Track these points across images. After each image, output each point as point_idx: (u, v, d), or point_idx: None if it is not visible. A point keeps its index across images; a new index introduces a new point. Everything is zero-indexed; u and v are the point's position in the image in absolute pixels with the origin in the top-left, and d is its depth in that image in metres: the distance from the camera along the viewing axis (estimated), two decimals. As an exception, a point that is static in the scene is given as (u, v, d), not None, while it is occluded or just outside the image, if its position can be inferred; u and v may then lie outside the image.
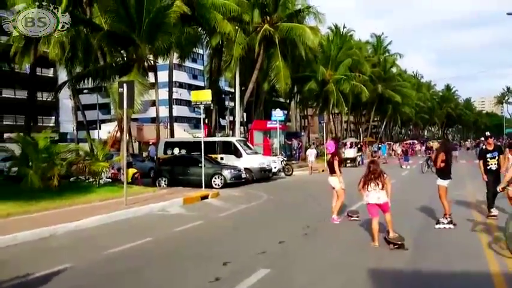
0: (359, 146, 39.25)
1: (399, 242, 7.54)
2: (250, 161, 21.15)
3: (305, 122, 57.63)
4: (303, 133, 50.43)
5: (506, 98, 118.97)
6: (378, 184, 7.78)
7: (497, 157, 10.35)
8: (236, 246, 8.12)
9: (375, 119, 75.01)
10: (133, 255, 7.57)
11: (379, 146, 45.58)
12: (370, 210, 7.91)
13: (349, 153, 32.52)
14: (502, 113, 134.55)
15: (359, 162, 32.60)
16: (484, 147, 10.78)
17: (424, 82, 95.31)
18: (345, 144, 38.23)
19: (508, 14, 32.00)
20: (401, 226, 8.67)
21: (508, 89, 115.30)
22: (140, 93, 18.79)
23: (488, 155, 10.45)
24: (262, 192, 16.34)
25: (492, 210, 10.09)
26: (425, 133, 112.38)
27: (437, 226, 9.22)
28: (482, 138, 78.63)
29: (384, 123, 74.34)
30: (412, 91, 68.02)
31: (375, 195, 7.80)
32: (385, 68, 61.74)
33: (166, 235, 9.25)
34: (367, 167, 8.15)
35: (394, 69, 65.82)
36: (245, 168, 20.22)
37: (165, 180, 19.13)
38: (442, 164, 9.49)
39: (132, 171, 18.69)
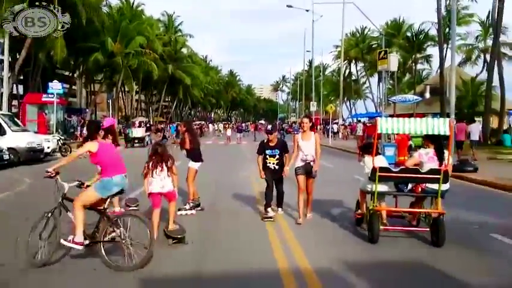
0: (148, 125, 38.01)
1: (179, 236, 6.57)
2: (17, 139, 17.84)
3: (92, 98, 53.40)
4: (87, 110, 46.53)
5: (281, 85, 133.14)
6: (162, 170, 6.74)
7: (278, 156, 8.19)
8: None
9: (166, 99, 74.87)
10: None
11: (169, 126, 45.30)
12: (153, 200, 6.81)
13: (137, 132, 31.08)
14: (276, 99, 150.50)
15: (147, 142, 31.47)
16: (265, 141, 8.41)
17: (213, 66, 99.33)
18: (134, 124, 36.67)
19: (288, 6, 34.67)
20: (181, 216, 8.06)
21: (283, 77, 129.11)
22: None
23: (268, 152, 8.27)
24: (27, 176, 13.73)
25: (269, 210, 8.17)
26: (213, 115, 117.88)
27: (179, 213, 8.01)
28: (262, 121, 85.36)
29: (175, 104, 74.70)
30: (201, 74, 69.75)
31: (159, 183, 6.74)
32: (176, 48, 61.64)
33: None
34: (152, 150, 6.96)
35: (185, 50, 66.28)
36: (9, 148, 16.96)
37: None
38: (190, 146, 8.81)
39: None
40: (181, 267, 5.62)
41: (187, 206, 8.70)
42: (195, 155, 8.92)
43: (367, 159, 7.24)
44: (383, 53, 24.33)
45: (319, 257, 6.02)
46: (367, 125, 31.29)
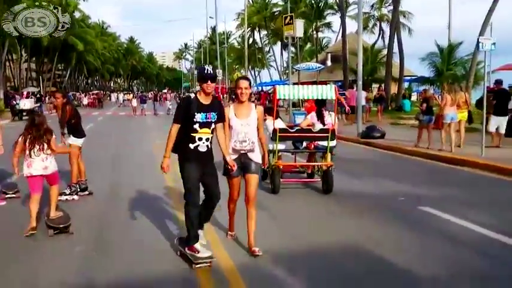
0: (38, 96, 34.56)
1: (61, 225, 5.53)
2: None
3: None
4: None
5: (184, 54, 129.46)
6: (43, 148, 5.64)
7: (213, 125, 4.59)
8: None
9: (60, 67, 69.00)
10: None
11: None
12: (33, 184, 5.66)
13: (26, 104, 27.93)
14: (180, 67, 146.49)
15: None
16: (192, 96, 4.65)
17: (110, 32, 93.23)
18: (22, 94, 33.25)
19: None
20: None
21: (186, 45, 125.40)
22: None
23: (199, 117, 4.47)
24: None
25: (198, 247, 4.59)
26: (112, 84, 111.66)
27: (60, 198, 6.47)
28: (165, 90, 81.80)
29: (69, 73, 69.15)
30: (96, 39, 64.99)
31: (41, 163, 5.63)
32: (68, 11, 56.45)
33: None
34: (28, 121, 5.77)
35: (77, 14, 61.03)
36: None
37: None
38: (75, 119, 7.49)
39: None
40: (64, 275, 4.38)
41: (67, 190, 7.31)
42: (78, 129, 7.56)
43: (269, 122, 8.12)
44: (289, 18, 23.93)
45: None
46: (269, 92, 31.60)
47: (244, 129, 4.86)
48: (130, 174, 9.64)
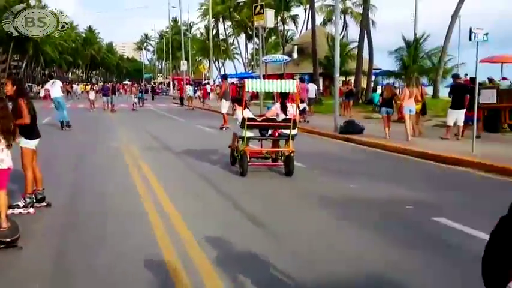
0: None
1: (8, 239, 4.66)
2: None
3: None
4: None
5: (145, 44, 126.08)
6: (8, 138, 5.06)
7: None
8: None
9: (15, 58, 65.44)
10: None
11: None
12: (1, 178, 4.97)
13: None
14: (141, 58, 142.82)
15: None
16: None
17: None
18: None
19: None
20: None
21: (146, 36, 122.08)
22: None
23: None
24: None
25: None
26: (70, 75, 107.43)
27: (10, 211, 5.41)
28: (127, 82, 78.89)
29: (25, 64, 65.69)
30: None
31: (9, 156, 5.06)
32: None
33: None
34: None
35: (32, 2, 57.86)
36: None
37: None
38: (26, 120, 5.88)
39: None
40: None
41: (21, 203, 6.07)
42: (31, 128, 6.08)
43: (239, 112, 9.04)
44: (259, 7, 22.92)
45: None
46: (238, 85, 31.08)
47: None
48: (93, 180, 8.51)
